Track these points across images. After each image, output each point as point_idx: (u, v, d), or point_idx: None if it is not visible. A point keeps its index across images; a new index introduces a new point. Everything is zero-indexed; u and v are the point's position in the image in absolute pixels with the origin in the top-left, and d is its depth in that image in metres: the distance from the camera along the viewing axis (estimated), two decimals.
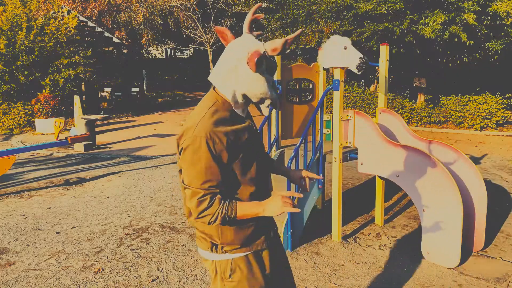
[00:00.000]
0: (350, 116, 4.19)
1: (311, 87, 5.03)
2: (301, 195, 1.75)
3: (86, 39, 16.72)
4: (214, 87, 1.74)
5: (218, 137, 1.61)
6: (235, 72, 1.66)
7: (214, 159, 1.61)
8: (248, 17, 1.75)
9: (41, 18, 13.90)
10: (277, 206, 1.66)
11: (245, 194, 1.75)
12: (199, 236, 1.82)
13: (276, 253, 1.95)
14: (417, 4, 11.38)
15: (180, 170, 1.74)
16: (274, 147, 4.69)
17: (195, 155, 1.61)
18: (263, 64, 1.66)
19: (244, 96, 1.70)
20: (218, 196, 1.64)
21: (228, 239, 1.76)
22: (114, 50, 19.29)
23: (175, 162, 7.90)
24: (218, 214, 1.63)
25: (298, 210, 1.66)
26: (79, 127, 9.48)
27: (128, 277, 3.55)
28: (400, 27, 11.18)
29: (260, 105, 1.77)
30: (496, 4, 10.22)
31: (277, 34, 16.66)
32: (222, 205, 1.64)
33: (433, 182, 3.70)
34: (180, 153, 1.68)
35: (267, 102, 1.74)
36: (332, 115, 4.14)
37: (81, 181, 6.86)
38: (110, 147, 9.91)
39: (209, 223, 1.66)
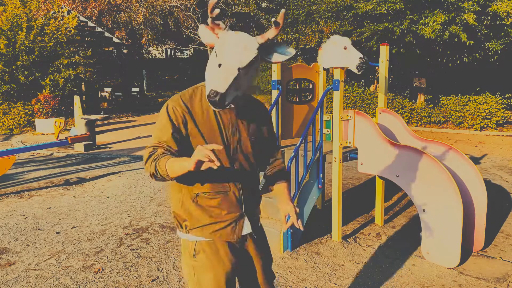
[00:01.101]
0: (350, 116, 4.19)
1: (311, 87, 5.03)
2: (221, 147, 1.51)
3: (86, 39, 16.73)
4: None
5: (179, 105, 1.75)
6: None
7: (170, 121, 1.73)
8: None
9: (41, 18, 13.91)
10: (196, 156, 1.48)
11: (201, 176, 1.75)
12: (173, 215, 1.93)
13: (253, 252, 1.96)
14: (417, 4, 11.38)
15: None
16: None
17: (158, 117, 1.78)
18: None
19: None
20: (157, 152, 1.68)
21: (186, 216, 1.83)
22: (114, 50, 19.29)
23: None
24: (149, 168, 1.66)
25: (213, 164, 1.46)
26: (79, 127, 9.48)
27: (128, 277, 3.55)
28: (400, 27, 11.18)
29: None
30: (496, 4, 10.22)
31: None
32: (160, 155, 1.66)
33: (433, 182, 3.70)
34: None
35: (208, 89, 1.69)
36: (332, 115, 4.14)
37: (81, 181, 6.86)
38: (110, 147, 9.92)
39: (150, 176, 1.70)
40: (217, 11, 1.60)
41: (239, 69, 1.59)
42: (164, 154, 1.66)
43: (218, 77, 1.59)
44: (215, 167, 1.47)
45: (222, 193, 1.82)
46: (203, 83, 1.81)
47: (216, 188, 1.81)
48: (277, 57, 1.73)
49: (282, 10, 1.64)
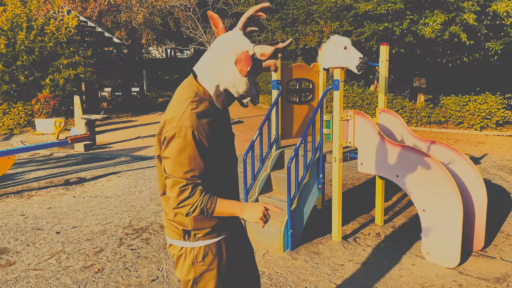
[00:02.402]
0: (350, 116, 4.19)
1: (311, 87, 5.03)
2: (281, 211, 1.78)
3: (86, 39, 16.72)
4: (196, 77, 1.76)
5: (202, 128, 1.65)
6: (221, 68, 1.68)
7: (198, 149, 1.64)
8: (248, 13, 1.73)
9: (41, 18, 13.90)
10: (255, 215, 1.72)
11: (215, 187, 1.77)
12: (168, 225, 1.85)
13: (243, 243, 2.05)
14: (417, 4, 11.39)
15: (159, 157, 1.77)
16: (274, 147, 4.69)
17: (180, 145, 1.62)
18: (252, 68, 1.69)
19: (226, 91, 1.73)
20: (200, 187, 1.66)
21: (200, 225, 1.80)
22: (114, 50, 19.29)
23: None
24: (198, 205, 1.66)
25: (262, 226, 1.76)
26: (79, 127, 9.48)
27: (128, 277, 3.55)
28: (400, 27, 11.18)
29: (240, 99, 1.82)
30: (496, 4, 10.23)
31: (277, 34, 16.66)
32: (203, 197, 1.66)
33: (433, 182, 3.70)
34: (162, 143, 1.70)
35: (247, 98, 1.79)
36: (332, 115, 4.14)
37: (81, 181, 6.86)
38: (110, 147, 9.91)
39: (187, 214, 1.68)
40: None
41: None
42: (205, 195, 1.68)
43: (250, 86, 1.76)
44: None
45: (230, 190, 1.88)
46: (193, 89, 1.74)
47: (226, 189, 1.86)
48: None
49: (290, 39, 1.74)
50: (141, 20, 21.93)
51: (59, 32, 13.63)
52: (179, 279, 3.51)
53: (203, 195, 1.67)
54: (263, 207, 1.72)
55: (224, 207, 1.70)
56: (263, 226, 1.74)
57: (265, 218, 1.72)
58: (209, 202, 1.67)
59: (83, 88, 16.04)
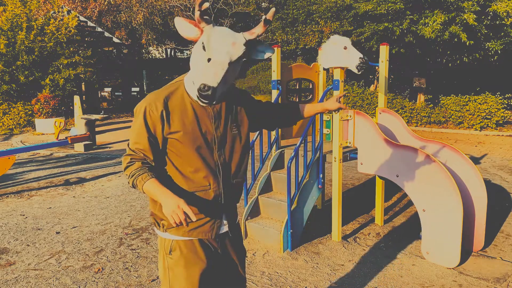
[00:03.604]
0: (350, 116, 4.19)
1: (311, 87, 5.03)
2: (195, 219, 1.56)
3: (86, 39, 16.73)
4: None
5: (156, 107, 1.69)
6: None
7: (146, 126, 1.70)
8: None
9: (41, 18, 13.91)
10: (167, 209, 1.57)
11: (177, 177, 1.76)
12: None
13: (228, 252, 1.95)
14: (417, 4, 11.39)
15: None
16: (274, 147, 4.69)
17: (135, 118, 1.74)
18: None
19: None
20: (142, 162, 1.70)
21: (159, 214, 1.80)
22: (114, 50, 19.29)
23: None
24: (129, 176, 1.69)
25: (174, 225, 1.63)
26: (79, 127, 9.48)
27: (128, 277, 3.55)
28: (400, 27, 11.19)
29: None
30: (496, 4, 10.23)
31: (277, 34, 16.66)
32: (138, 170, 1.67)
33: (433, 182, 3.70)
34: None
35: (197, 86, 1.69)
36: (332, 115, 4.14)
37: (81, 181, 6.86)
38: (110, 147, 9.91)
39: (128, 183, 1.73)
40: (206, 4, 1.58)
41: (229, 63, 1.61)
42: (141, 170, 1.67)
43: (209, 71, 1.60)
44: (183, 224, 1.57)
45: (201, 192, 1.78)
46: (179, 79, 1.81)
47: (196, 188, 1.77)
48: (258, 55, 1.74)
49: (273, 9, 1.68)
50: (141, 20, 21.92)
51: (59, 32, 13.64)
52: None
53: (139, 168, 1.67)
54: (177, 206, 1.54)
55: (151, 188, 1.64)
56: (175, 225, 1.57)
57: (174, 217, 1.54)
58: (139, 178, 1.65)
59: (83, 88, 16.05)
